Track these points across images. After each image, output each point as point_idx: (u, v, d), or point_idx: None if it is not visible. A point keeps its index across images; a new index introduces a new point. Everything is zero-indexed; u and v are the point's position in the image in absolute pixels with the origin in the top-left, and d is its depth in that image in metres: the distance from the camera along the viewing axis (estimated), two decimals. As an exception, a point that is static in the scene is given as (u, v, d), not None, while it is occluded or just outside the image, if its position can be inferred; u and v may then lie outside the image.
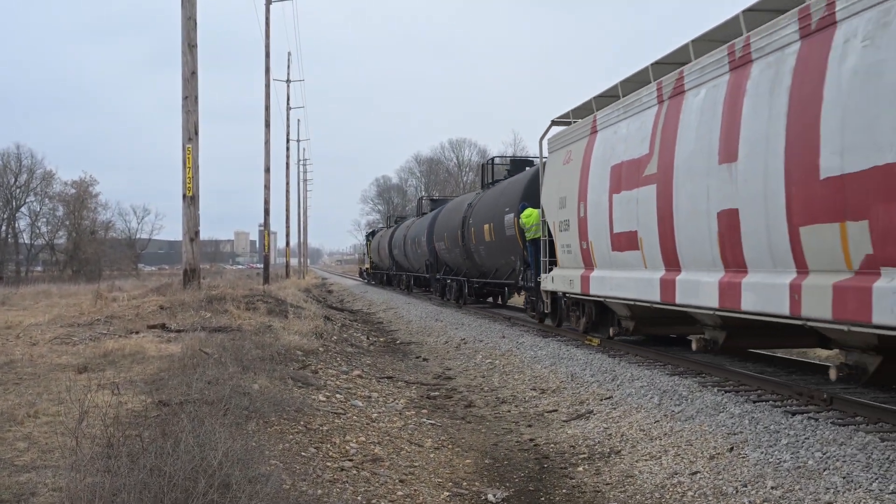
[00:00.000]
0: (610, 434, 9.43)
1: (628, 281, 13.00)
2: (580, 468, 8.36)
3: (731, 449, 7.94)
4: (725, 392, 10.32)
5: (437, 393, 12.68)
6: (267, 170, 44.02)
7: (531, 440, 9.61)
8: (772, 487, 6.79)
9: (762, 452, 7.67)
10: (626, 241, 12.97)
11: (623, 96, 13.81)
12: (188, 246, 22.19)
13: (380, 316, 29.81)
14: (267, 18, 43.15)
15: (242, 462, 6.11)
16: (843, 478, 6.68)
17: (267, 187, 43.91)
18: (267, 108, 43.72)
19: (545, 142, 17.88)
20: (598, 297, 14.42)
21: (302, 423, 8.78)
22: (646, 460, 8.24)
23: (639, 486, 7.57)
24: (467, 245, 26.54)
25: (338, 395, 10.98)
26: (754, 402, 9.65)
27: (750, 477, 7.12)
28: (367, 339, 20.19)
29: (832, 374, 9.17)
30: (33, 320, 18.83)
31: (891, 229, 7.27)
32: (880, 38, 7.45)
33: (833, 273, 8.14)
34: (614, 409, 10.49)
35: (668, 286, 11.59)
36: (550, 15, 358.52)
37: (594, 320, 15.61)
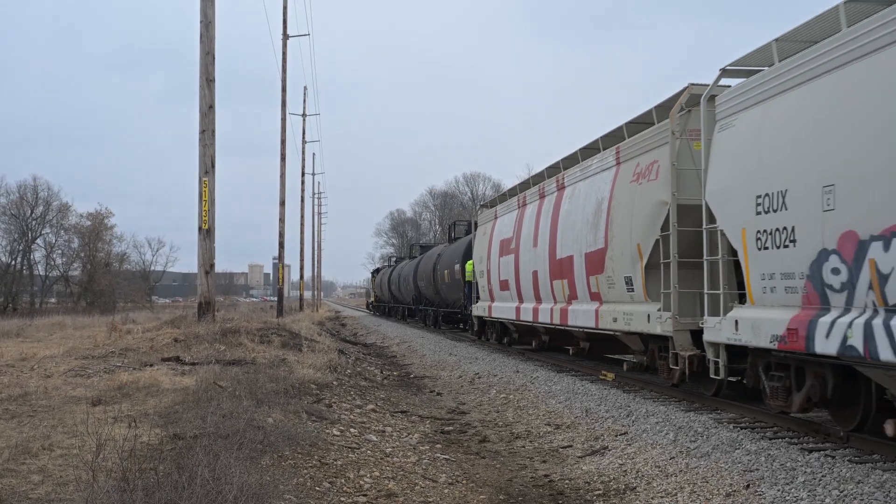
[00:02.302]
0: (625, 470, 9.37)
1: (506, 308, 22.22)
2: (595, 505, 8.30)
3: (748, 486, 7.88)
4: (741, 429, 10.26)
5: (451, 428, 12.63)
6: (282, 203, 44.21)
7: (546, 476, 9.56)
8: (789, 526, 6.74)
9: (779, 490, 7.61)
10: (504, 285, 22.28)
11: (509, 199, 23.09)
12: (203, 279, 22.25)
13: (393, 350, 29.79)
14: (284, 53, 43.51)
15: (257, 496, 6.11)
16: (862, 517, 6.63)
17: (282, 220, 44.08)
18: (283, 142, 44.00)
19: (477, 220, 27.86)
20: (497, 318, 23.80)
21: (316, 457, 8.76)
22: (661, 497, 8.18)
23: (654, 523, 7.51)
24: (437, 284, 35.84)
25: (352, 430, 10.95)
26: (770, 438, 9.59)
27: (767, 515, 7.06)
28: (381, 372, 20.16)
29: (624, 367, 16.78)
30: (48, 352, 18.89)
31: (573, 284, 16.37)
32: (572, 198, 16.66)
33: (562, 302, 17.43)
34: (629, 445, 10.43)
35: (517, 311, 21.02)
36: (565, 51, 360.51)
37: (499, 333, 24.92)
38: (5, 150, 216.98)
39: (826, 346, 8.37)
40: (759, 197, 9.76)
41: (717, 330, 10.76)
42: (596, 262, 15.00)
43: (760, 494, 7.62)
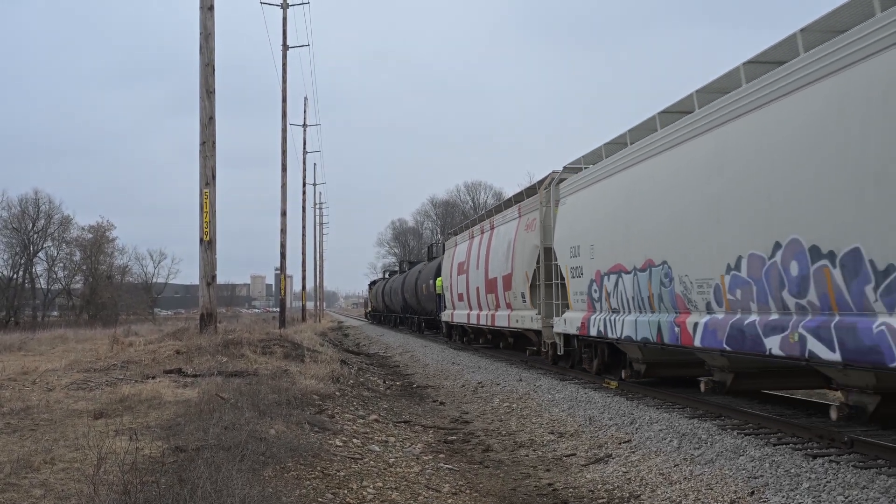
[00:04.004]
0: (629, 478, 9.34)
1: (462, 315, 29.10)
2: (599, 513, 8.27)
3: (752, 493, 7.85)
4: (745, 435, 10.23)
5: (454, 437, 12.60)
6: (283, 213, 44.25)
7: (550, 485, 9.53)
8: (794, 533, 6.71)
9: (783, 496, 7.58)
10: (460, 297, 29.30)
11: (465, 231, 30.21)
12: (205, 290, 22.25)
13: (396, 359, 29.77)
14: (284, 64, 43.62)
15: (259, 509, 6.08)
16: (867, 523, 6.60)
17: (283, 231, 44.12)
18: (284, 153, 44.06)
19: (445, 245, 35.19)
20: (457, 322, 30.73)
21: (319, 468, 8.73)
22: (666, 505, 8.15)
23: (659, 531, 7.48)
24: (418, 296, 42.18)
25: (355, 440, 10.92)
26: (774, 445, 9.56)
27: (772, 522, 7.03)
28: (384, 382, 20.14)
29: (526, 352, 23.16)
30: (49, 366, 18.86)
31: (497, 297, 23.10)
32: (496, 236, 23.69)
33: (492, 310, 24.08)
34: (633, 452, 10.40)
35: (472, 317, 27.28)
36: (566, 60, 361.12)
37: (460, 335, 32.17)
38: (7, 163, 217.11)
39: (592, 331, 15.81)
40: (571, 247, 16.97)
41: (558, 325, 18.02)
42: (508, 282, 22.19)
43: (765, 501, 7.59)
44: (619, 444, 10.99)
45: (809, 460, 8.57)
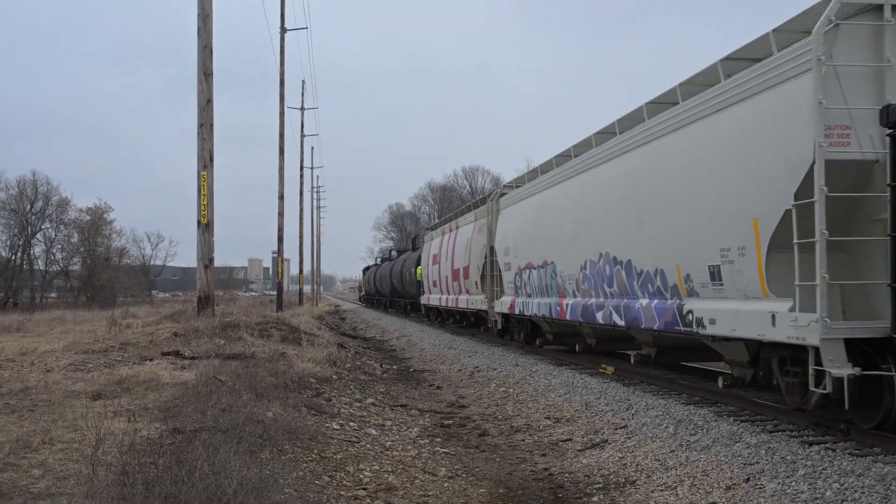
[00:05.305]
0: (625, 464, 9.38)
1: (435, 299, 33.80)
2: (595, 498, 8.30)
3: (748, 480, 7.88)
4: (741, 422, 10.25)
5: (450, 421, 12.63)
6: (281, 197, 44.20)
7: (546, 469, 9.56)
8: (789, 519, 6.74)
9: (779, 483, 7.62)
10: (434, 283, 33.88)
11: (439, 227, 34.68)
12: (202, 273, 22.23)
13: (393, 343, 29.81)
14: (282, 47, 43.49)
15: (257, 490, 6.11)
16: (862, 509, 6.64)
17: (281, 214, 44.08)
18: (281, 136, 43.97)
19: (424, 238, 40.24)
20: (433, 305, 35.60)
21: (316, 451, 8.76)
22: (661, 490, 8.19)
23: (655, 516, 7.51)
24: (404, 282, 46.81)
25: (351, 423, 10.96)
26: (770, 432, 9.58)
27: (767, 508, 7.06)
28: (381, 366, 20.17)
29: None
30: (48, 347, 18.87)
31: (459, 284, 28.24)
32: (459, 234, 28.92)
33: (456, 294, 29.18)
34: (629, 438, 10.43)
35: (443, 300, 32.00)
36: (564, 47, 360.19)
37: (436, 315, 36.79)
38: (4, 145, 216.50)
39: (517, 310, 21.11)
40: (504, 248, 22.17)
41: (498, 306, 23.21)
42: (466, 272, 27.03)
43: (761, 487, 7.62)
44: (616, 429, 11.02)
45: (806, 447, 8.59)
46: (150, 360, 15.26)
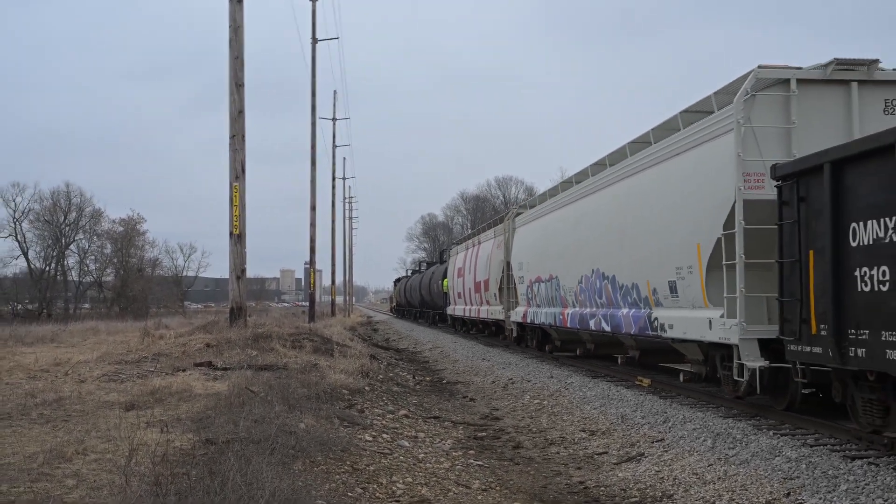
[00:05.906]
0: (662, 477, 9.23)
1: (460, 309, 37.38)
2: (632, 512, 8.16)
3: (788, 494, 7.72)
4: (781, 435, 10.08)
5: (484, 433, 12.52)
6: (313, 208, 44.33)
7: (581, 483, 9.43)
8: (834, 535, 6.58)
9: (820, 498, 7.45)
10: (459, 295, 37.77)
11: (463, 243, 39.07)
12: (234, 284, 22.28)
13: (426, 355, 29.73)
14: (313, 57, 43.69)
15: (290, 502, 6.04)
16: (909, 526, 6.49)
17: (313, 225, 44.20)
18: (313, 147, 44.12)
19: (450, 253, 44.36)
20: (458, 316, 38.59)
21: (348, 462, 8.69)
22: (700, 505, 8.03)
23: (694, 531, 7.36)
24: (432, 293, 50.12)
25: (384, 435, 10.88)
26: (811, 445, 9.41)
27: (810, 524, 6.90)
28: (414, 377, 20.10)
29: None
30: (81, 357, 18.99)
31: (480, 296, 31.98)
32: (481, 250, 32.94)
33: (478, 305, 32.93)
34: (666, 451, 10.28)
35: (466, 311, 35.86)
36: (595, 55, 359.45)
37: (461, 325, 39.38)
38: (39, 157, 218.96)
39: (529, 319, 23.92)
40: (518, 263, 25.29)
41: (513, 316, 26.09)
42: (486, 285, 30.37)
43: (802, 503, 7.45)
44: (652, 442, 10.87)
45: (848, 462, 8.42)
46: (183, 370, 15.28)
